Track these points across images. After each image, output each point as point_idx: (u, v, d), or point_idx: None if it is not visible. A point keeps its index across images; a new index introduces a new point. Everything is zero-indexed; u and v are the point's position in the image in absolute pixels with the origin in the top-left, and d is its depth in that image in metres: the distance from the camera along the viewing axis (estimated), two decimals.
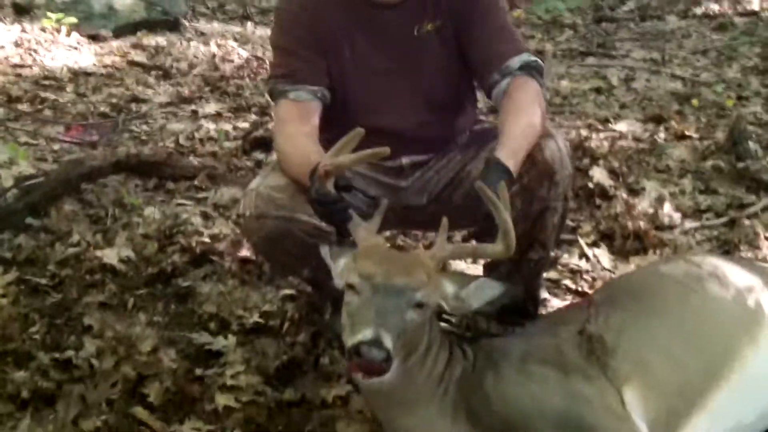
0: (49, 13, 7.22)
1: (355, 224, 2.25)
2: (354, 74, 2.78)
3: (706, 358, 2.33)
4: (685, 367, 2.30)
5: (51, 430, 2.49)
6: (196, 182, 4.42)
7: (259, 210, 2.62)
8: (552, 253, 3.06)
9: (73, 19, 7.14)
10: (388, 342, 1.91)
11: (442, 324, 2.93)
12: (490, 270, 2.91)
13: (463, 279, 2.26)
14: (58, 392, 2.66)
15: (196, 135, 5.14)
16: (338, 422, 2.64)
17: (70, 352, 2.83)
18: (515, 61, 2.69)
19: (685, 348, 2.34)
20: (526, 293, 2.97)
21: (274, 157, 3.42)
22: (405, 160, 2.89)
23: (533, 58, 2.75)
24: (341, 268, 2.22)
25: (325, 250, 2.32)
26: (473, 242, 2.39)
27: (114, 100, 5.82)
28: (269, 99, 3.08)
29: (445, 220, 2.25)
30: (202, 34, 8.06)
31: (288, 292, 3.27)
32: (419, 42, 2.78)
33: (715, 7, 9.29)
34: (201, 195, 4.31)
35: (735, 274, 2.59)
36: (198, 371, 2.84)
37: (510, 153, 2.48)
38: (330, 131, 2.58)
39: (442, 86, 2.86)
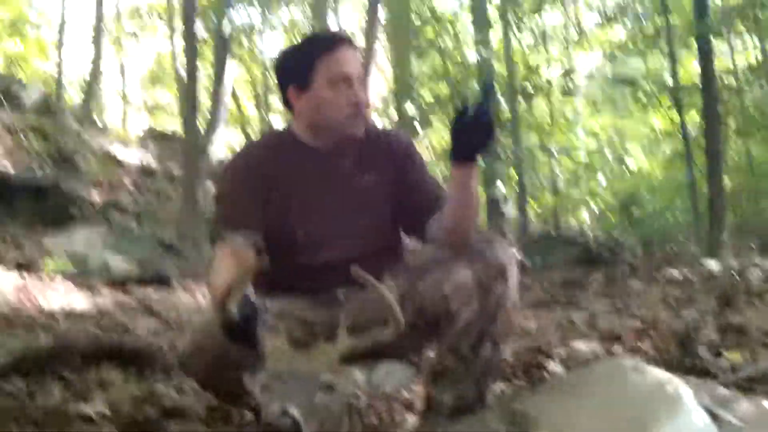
0: (48, 260, 7.69)
1: (264, 340, 2.40)
2: (298, 216, 3.11)
3: (626, 429, 2.51)
4: None
5: None
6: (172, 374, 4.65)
7: (197, 343, 2.86)
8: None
9: (70, 267, 7.64)
10: (294, 412, 2.12)
11: None
12: (439, 376, 2.99)
13: (371, 366, 2.50)
14: None
15: (178, 343, 5.41)
16: None
17: None
18: None
19: (606, 420, 2.54)
20: (477, 395, 3.02)
21: None
22: (341, 294, 3.11)
23: None
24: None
25: (246, 378, 2.46)
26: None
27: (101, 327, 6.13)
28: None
29: (342, 316, 2.52)
30: (190, 290, 8.52)
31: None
32: (359, 191, 3.15)
33: (676, 273, 9.87)
34: (176, 383, 4.51)
35: (656, 371, 2.87)
36: None
37: None
38: (276, 269, 2.74)
39: (378, 231, 3.18)
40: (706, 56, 15.21)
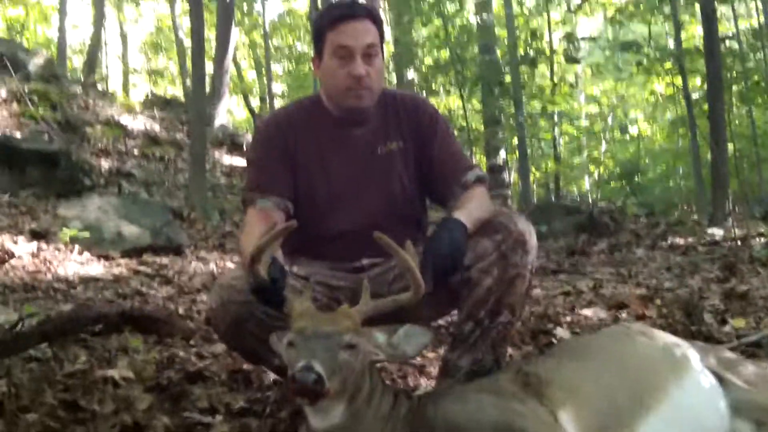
0: (64, 229, 7.82)
1: (290, 302, 2.52)
2: (321, 185, 3.27)
3: (634, 388, 2.61)
4: (615, 395, 2.57)
5: None
6: (191, 342, 4.79)
7: (222, 299, 2.90)
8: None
9: (86, 234, 7.74)
10: (318, 368, 2.18)
11: None
12: (459, 341, 3.09)
13: (391, 329, 2.53)
14: (64, 430, 2.94)
15: (194, 308, 5.57)
16: None
17: (77, 396, 3.15)
18: (470, 176, 3.25)
19: (616, 380, 2.63)
20: (493, 360, 3.10)
21: None
22: (365, 261, 3.28)
23: (482, 172, 3.32)
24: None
25: (273, 338, 2.64)
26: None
27: (119, 294, 6.26)
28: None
29: (366, 281, 2.65)
30: (203, 258, 8.65)
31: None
32: (382, 159, 3.31)
33: (680, 241, 9.99)
34: (196, 349, 4.66)
35: (664, 335, 2.96)
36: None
37: (464, 215, 2.96)
38: (299, 235, 2.82)
39: (400, 199, 3.33)
40: (709, 20, 15.15)
